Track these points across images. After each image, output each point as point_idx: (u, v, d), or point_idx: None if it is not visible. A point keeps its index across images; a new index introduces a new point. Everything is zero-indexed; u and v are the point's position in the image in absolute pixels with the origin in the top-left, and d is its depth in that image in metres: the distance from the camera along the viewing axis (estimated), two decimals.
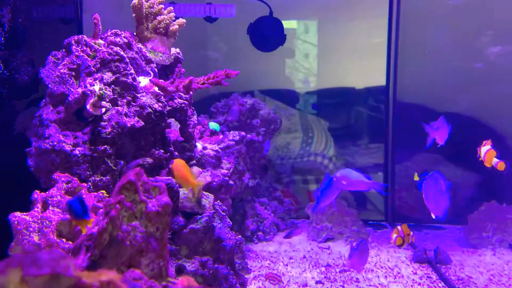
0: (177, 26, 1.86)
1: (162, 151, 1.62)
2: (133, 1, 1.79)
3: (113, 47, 1.60)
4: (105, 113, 1.50)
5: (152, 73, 1.74)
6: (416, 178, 1.77)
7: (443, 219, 1.60)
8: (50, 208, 1.24)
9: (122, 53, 1.60)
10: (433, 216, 1.64)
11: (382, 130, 2.98)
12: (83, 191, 1.35)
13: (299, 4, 3.25)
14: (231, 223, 1.77)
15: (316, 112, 3.23)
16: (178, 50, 1.97)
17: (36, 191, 1.29)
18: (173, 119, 1.83)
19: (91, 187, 1.41)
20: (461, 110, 2.83)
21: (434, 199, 1.62)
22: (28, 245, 1.14)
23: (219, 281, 1.57)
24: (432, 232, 2.71)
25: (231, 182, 2.15)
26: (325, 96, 3.27)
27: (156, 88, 1.66)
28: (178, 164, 1.41)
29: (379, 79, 2.93)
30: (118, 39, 1.64)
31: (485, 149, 1.76)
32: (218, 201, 1.85)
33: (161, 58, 1.84)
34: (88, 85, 1.50)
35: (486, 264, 2.19)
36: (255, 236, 2.50)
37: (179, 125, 1.87)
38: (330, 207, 2.56)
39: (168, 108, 1.71)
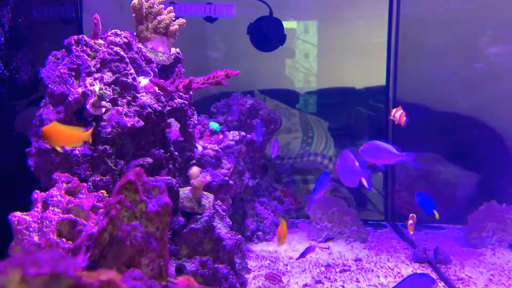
0: (177, 26, 1.86)
1: (162, 151, 1.62)
2: (133, 1, 1.79)
3: (113, 47, 1.60)
4: (105, 113, 1.50)
5: (152, 73, 1.74)
6: None
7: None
8: (50, 208, 1.24)
9: (122, 53, 1.60)
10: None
11: (382, 130, 2.98)
12: (83, 191, 1.35)
13: (299, 4, 3.25)
14: (231, 223, 1.77)
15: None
16: (178, 50, 1.97)
17: (36, 191, 1.29)
18: (173, 119, 1.83)
19: (91, 187, 1.41)
20: (461, 110, 2.83)
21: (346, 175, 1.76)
22: (28, 245, 1.14)
23: (219, 281, 1.57)
24: (432, 232, 2.71)
25: (231, 182, 2.15)
26: (325, 96, 3.27)
27: (156, 88, 1.66)
28: (50, 127, 1.28)
29: (379, 79, 2.93)
30: (118, 39, 1.64)
31: (399, 113, 2.05)
32: (218, 201, 1.85)
33: (161, 58, 1.84)
34: (88, 85, 1.50)
35: (486, 264, 2.19)
36: (255, 236, 2.50)
37: (179, 125, 1.87)
38: (330, 207, 2.57)
39: (168, 108, 1.71)
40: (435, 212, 1.99)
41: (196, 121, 1.97)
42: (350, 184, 1.78)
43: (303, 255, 2.21)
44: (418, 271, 2.11)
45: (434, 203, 2.00)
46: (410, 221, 2.05)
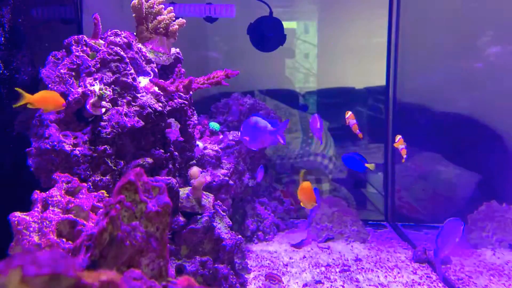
0: (177, 26, 1.86)
1: (162, 151, 1.62)
2: (133, 1, 1.79)
3: (113, 47, 1.60)
4: (105, 113, 1.50)
5: (152, 73, 1.74)
6: None
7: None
8: (50, 208, 1.24)
9: (122, 53, 1.60)
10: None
11: (382, 130, 2.98)
12: (83, 191, 1.35)
13: (299, 4, 3.25)
14: (231, 223, 1.77)
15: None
16: (178, 50, 1.97)
17: (36, 191, 1.29)
18: (173, 119, 1.83)
19: (91, 187, 1.41)
20: (461, 110, 2.84)
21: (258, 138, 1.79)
22: (28, 245, 1.14)
23: (219, 281, 1.57)
24: (432, 232, 2.71)
25: (231, 182, 2.15)
26: (325, 96, 3.27)
27: (156, 88, 1.66)
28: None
29: (379, 79, 2.93)
30: (118, 39, 1.64)
31: (353, 122, 2.14)
32: (218, 201, 1.85)
33: (161, 58, 1.84)
34: (88, 85, 1.50)
35: (486, 264, 2.19)
36: (255, 236, 2.50)
37: (179, 125, 1.87)
38: (330, 207, 2.57)
39: (168, 108, 1.72)
40: (368, 165, 1.97)
41: (196, 121, 1.97)
42: (260, 145, 1.81)
43: (298, 245, 2.26)
44: (419, 271, 2.11)
45: (364, 158, 1.98)
46: (401, 146, 2.09)
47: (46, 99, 1.37)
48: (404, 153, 2.08)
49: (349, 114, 2.17)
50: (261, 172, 2.33)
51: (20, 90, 1.36)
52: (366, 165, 1.96)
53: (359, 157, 1.97)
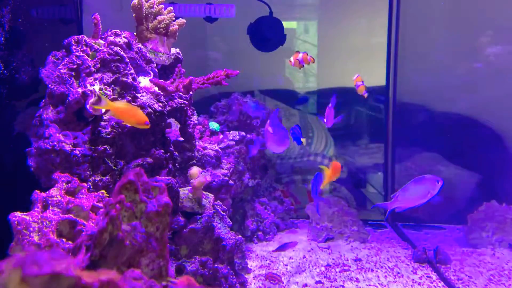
0: (177, 26, 1.86)
1: (162, 151, 1.62)
2: (133, 1, 1.79)
3: (113, 47, 1.60)
4: (105, 113, 1.50)
5: (152, 73, 1.74)
6: None
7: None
8: (50, 208, 1.24)
9: (122, 53, 1.60)
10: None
11: (382, 130, 2.98)
12: (83, 191, 1.35)
13: (299, 4, 3.25)
14: (231, 223, 1.77)
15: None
16: (178, 50, 1.97)
17: (36, 191, 1.29)
18: (173, 119, 1.83)
19: (91, 187, 1.41)
20: (461, 110, 2.83)
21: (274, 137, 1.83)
22: (28, 245, 1.14)
23: (219, 281, 1.57)
24: (432, 232, 2.71)
25: (231, 182, 2.15)
26: (325, 96, 3.27)
27: (156, 88, 1.66)
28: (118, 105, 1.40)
29: (379, 79, 2.93)
30: (118, 39, 1.64)
31: (305, 57, 2.03)
32: (218, 201, 1.85)
33: (161, 58, 1.84)
34: (88, 85, 1.50)
35: (486, 264, 2.19)
36: (255, 236, 2.50)
37: (179, 125, 1.87)
38: (330, 207, 2.57)
39: (168, 108, 1.72)
40: (303, 140, 2.04)
41: (196, 121, 1.97)
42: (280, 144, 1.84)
43: (281, 248, 2.28)
44: (418, 271, 2.11)
45: (301, 133, 2.06)
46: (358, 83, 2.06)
47: (130, 114, 1.39)
48: (362, 90, 2.04)
49: (300, 55, 2.05)
50: (255, 144, 2.29)
51: (103, 97, 1.39)
52: (302, 139, 2.05)
53: (299, 132, 2.04)
